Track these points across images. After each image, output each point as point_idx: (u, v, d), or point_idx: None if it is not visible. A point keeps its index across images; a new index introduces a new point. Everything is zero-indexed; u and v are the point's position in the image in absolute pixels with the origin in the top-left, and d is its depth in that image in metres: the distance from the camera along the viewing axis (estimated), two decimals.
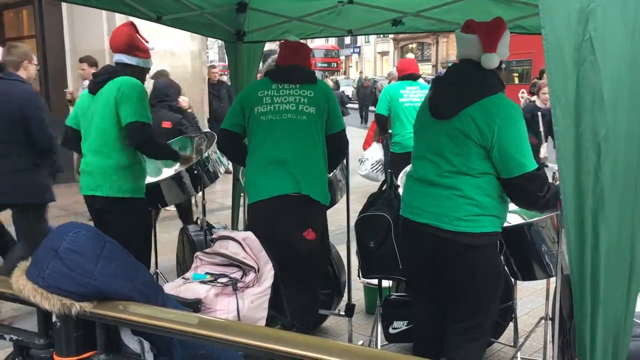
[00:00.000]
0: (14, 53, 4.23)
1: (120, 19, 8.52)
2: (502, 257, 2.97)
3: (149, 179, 4.18)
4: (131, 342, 1.62)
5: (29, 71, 4.24)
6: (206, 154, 4.13)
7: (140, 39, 3.63)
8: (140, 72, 3.59)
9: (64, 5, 8.87)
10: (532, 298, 4.52)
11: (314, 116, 3.11)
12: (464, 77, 2.66)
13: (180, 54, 9.26)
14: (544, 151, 7.33)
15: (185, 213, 5.46)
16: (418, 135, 2.84)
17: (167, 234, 5.97)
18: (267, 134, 3.12)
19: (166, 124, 5.13)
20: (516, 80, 23.33)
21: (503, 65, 2.71)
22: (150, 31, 3.69)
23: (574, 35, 1.31)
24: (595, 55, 1.31)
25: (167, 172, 4.39)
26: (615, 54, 1.31)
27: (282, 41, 3.42)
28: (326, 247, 3.45)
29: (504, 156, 2.48)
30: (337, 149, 3.28)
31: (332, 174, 3.76)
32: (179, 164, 4.32)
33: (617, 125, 1.31)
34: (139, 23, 3.89)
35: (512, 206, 3.47)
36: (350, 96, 26.65)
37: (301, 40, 3.54)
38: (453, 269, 2.67)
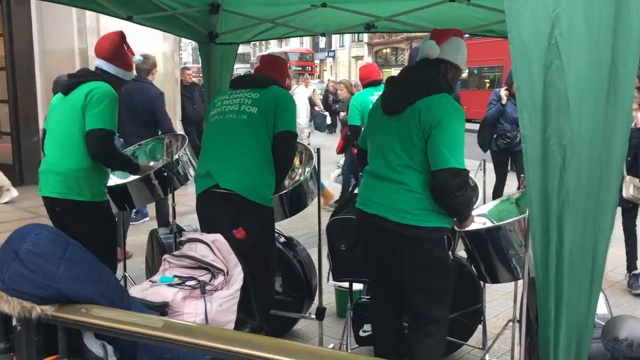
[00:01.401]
0: (147, 63, 5.69)
1: (90, 18, 8.41)
2: (450, 253, 2.99)
3: (117, 180, 4.12)
4: (94, 346, 1.59)
5: (154, 76, 5.90)
6: (176, 156, 4.08)
7: (126, 50, 3.58)
8: (116, 82, 3.54)
9: (33, 4, 8.70)
10: (501, 301, 4.57)
11: (255, 116, 3.16)
12: (415, 75, 2.79)
13: (152, 54, 9.17)
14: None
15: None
16: (371, 132, 2.92)
17: (136, 236, 5.89)
18: (210, 134, 3.31)
19: None
20: (487, 87, 23.68)
21: (463, 74, 2.81)
22: (119, 28, 3.64)
23: (540, 40, 1.33)
24: (561, 60, 1.33)
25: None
26: (580, 58, 1.33)
27: (261, 55, 3.56)
28: (266, 250, 3.31)
29: (434, 148, 2.57)
30: (277, 150, 3.22)
31: (302, 177, 3.75)
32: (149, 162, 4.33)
33: (581, 128, 1.34)
34: (110, 20, 3.86)
35: (480, 210, 3.51)
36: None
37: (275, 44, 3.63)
38: (401, 262, 2.73)
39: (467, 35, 3.97)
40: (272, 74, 3.38)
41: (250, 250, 3.08)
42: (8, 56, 8.80)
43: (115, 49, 3.51)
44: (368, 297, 3.68)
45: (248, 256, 3.00)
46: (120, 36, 3.56)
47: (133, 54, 3.64)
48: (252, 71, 3.81)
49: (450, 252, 2.96)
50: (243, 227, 3.08)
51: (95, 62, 3.55)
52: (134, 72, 3.73)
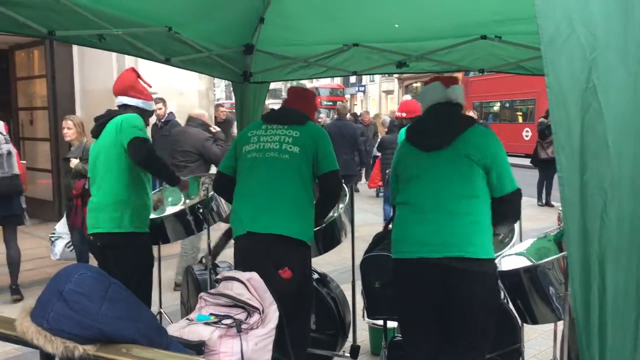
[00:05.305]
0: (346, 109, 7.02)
1: (130, 59, 8.67)
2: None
3: (153, 215, 4.19)
4: None
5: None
6: (211, 194, 4.14)
7: (143, 83, 3.77)
8: (141, 113, 3.66)
9: (74, 46, 9.03)
10: (540, 340, 4.45)
11: (297, 155, 3.16)
12: (448, 113, 2.87)
13: (187, 93, 9.38)
14: None
15: None
16: (412, 173, 2.84)
17: (171, 271, 5.94)
18: (250, 172, 3.22)
19: None
20: (520, 120, 23.50)
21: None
22: (157, 70, 3.81)
23: (577, 83, 1.33)
24: (600, 103, 1.32)
25: (171, 209, 4.40)
26: (618, 101, 1.33)
27: (290, 87, 3.61)
28: (307, 289, 3.32)
29: (501, 175, 2.70)
30: (327, 188, 3.28)
31: (336, 213, 3.76)
32: (183, 199, 4.39)
33: (622, 171, 1.32)
34: (148, 63, 4.01)
35: (517, 248, 3.46)
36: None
37: (306, 81, 3.69)
38: (466, 300, 2.65)
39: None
40: (304, 108, 3.38)
41: (295, 289, 3.06)
42: (50, 96, 9.11)
43: (131, 83, 3.70)
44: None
45: (289, 298, 2.91)
46: (133, 72, 3.76)
47: (150, 85, 3.82)
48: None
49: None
50: (289, 267, 3.05)
51: (116, 101, 3.72)
52: (154, 103, 3.91)
